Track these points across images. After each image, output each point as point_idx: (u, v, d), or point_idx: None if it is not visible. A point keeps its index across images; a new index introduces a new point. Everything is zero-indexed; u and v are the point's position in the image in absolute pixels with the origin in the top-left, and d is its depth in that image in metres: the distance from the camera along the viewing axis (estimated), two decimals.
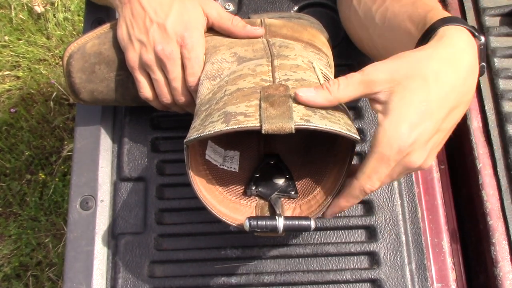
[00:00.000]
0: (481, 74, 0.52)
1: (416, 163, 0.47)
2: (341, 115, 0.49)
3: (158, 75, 0.60)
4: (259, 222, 0.48)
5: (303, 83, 0.51)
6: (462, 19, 0.51)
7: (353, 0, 0.63)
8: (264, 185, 0.57)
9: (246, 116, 0.46)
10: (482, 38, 0.51)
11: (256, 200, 0.56)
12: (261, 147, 0.62)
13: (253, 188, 0.56)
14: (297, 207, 0.54)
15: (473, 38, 0.50)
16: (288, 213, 0.54)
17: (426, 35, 0.50)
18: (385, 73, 0.47)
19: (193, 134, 0.49)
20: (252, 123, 0.45)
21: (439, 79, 0.46)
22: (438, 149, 0.50)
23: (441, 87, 0.46)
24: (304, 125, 0.45)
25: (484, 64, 0.52)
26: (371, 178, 0.48)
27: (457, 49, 0.48)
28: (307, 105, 0.48)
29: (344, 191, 0.50)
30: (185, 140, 0.50)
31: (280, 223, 0.48)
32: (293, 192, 0.55)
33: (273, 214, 0.52)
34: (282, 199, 0.55)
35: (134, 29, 0.59)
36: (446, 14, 0.51)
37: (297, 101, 0.48)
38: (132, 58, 0.60)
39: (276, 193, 0.55)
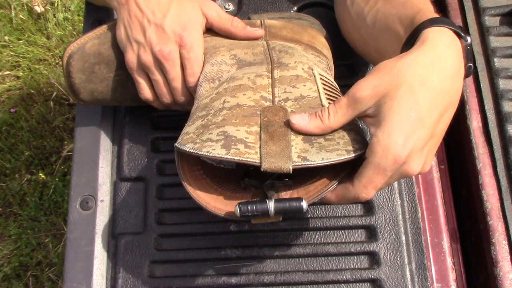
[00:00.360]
0: (468, 75, 0.51)
1: (414, 171, 0.47)
2: (341, 133, 0.49)
3: (157, 76, 0.60)
4: (250, 207, 0.47)
5: (301, 103, 0.52)
6: (448, 20, 0.50)
7: (347, 1, 0.62)
8: (258, 175, 0.56)
9: (247, 147, 0.48)
10: (468, 39, 0.50)
11: (252, 191, 0.56)
12: None
13: (247, 179, 0.56)
14: (294, 193, 0.53)
15: (457, 38, 0.49)
16: None
17: (412, 37, 0.50)
18: (368, 89, 0.47)
19: (187, 143, 0.49)
20: (252, 157, 0.47)
21: (425, 84, 0.46)
22: (433, 154, 0.50)
23: (428, 92, 0.46)
24: (301, 164, 0.47)
25: (471, 64, 0.51)
26: (366, 188, 0.47)
27: (438, 52, 0.47)
28: (302, 133, 0.49)
29: (339, 192, 0.50)
30: (177, 145, 0.50)
31: (271, 205, 0.47)
32: (287, 179, 0.54)
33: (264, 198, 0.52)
34: (278, 187, 0.54)
35: (132, 30, 0.59)
36: (434, 15, 0.51)
37: (293, 129, 0.49)
38: (131, 59, 0.60)
39: (269, 180, 0.54)
